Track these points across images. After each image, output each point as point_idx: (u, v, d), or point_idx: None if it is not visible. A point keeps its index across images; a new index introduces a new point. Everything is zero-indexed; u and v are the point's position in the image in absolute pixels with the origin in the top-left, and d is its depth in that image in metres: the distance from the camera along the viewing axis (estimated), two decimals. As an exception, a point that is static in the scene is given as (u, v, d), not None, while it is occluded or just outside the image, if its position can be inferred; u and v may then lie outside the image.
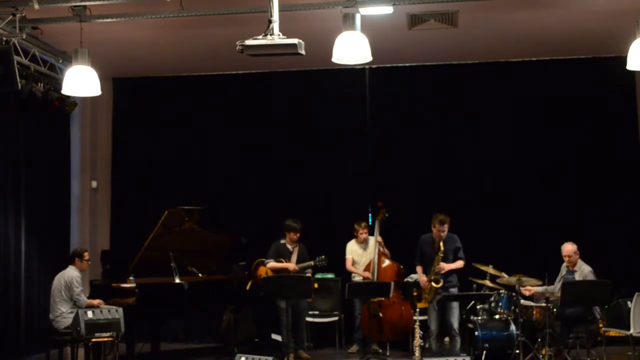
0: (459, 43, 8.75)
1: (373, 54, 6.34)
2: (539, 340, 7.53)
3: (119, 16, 7.18)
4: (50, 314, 7.37)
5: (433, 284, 7.67)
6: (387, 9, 7.06)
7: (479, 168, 9.55)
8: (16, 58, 7.31)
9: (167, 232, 7.87)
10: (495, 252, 8.63)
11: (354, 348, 8.75)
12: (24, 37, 7.37)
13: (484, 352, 7.57)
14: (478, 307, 8.05)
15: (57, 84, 8.33)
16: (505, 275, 7.80)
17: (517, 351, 7.37)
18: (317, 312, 8.93)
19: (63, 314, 7.25)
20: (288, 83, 9.92)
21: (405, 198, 9.55)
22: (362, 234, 8.68)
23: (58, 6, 6.85)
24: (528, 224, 9.24)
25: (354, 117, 9.87)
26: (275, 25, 5.43)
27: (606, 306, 7.73)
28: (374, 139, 9.83)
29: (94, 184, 10.19)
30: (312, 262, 8.37)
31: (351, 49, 6.21)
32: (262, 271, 8.43)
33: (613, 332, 7.65)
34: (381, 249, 8.56)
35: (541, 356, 7.41)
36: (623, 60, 6.84)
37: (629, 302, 7.29)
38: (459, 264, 7.78)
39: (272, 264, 8.36)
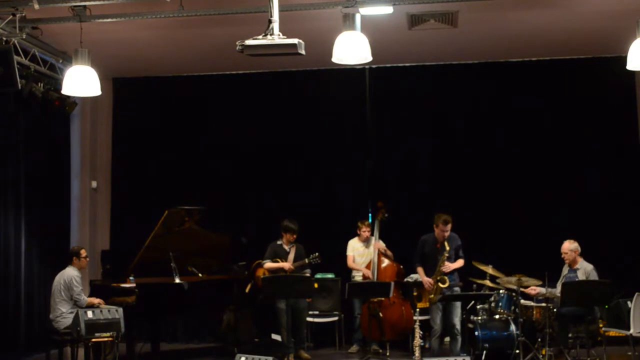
0: (459, 43, 8.75)
1: (373, 54, 6.34)
2: (539, 340, 7.54)
3: (118, 16, 7.19)
4: (51, 314, 7.36)
5: (440, 284, 7.65)
6: (387, 9, 7.07)
7: (479, 168, 9.54)
8: (16, 58, 7.32)
9: (167, 232, 7.86)
10: (495, 252, 8.63)
11: (354, 348, 8.75)
12: (24, 37, 7.38)
13: (484, 352, 7.58)
14: (478, 307, 8.04)
15: (57, 84, 8.34)
16: (504, 277, 7.78)
17: (517, 351, 7.38)
18: (317, 312, 8.93)
19: (63, 314, 7.23)
20: (288, 83, 9.92)
21: (405, 198, 9.56)
22: (365, 232, 8.71)
23: (58, 6, 6.86)
24: (528, 223, 9.23)
25: (354, 117, 9.88)
26: (275, 25, 5.43)
27: (606, 306, 7.73)
28: (374, 139, 9.84)
29: (94, 184, 10.17)
30: (305, 260, 8.33)
31: (351, 49, 6.21)
32: (260, 273, 8.43)
33: (613, 332, 7.65)
34: (383, 252, 8.57)
35: (541, 356, 7.42)
36: (623, 60, 6.85)
37: (629, 302, 7.29)
38: (460, 263, 7.79)
39: (268, 264, 8.36)
